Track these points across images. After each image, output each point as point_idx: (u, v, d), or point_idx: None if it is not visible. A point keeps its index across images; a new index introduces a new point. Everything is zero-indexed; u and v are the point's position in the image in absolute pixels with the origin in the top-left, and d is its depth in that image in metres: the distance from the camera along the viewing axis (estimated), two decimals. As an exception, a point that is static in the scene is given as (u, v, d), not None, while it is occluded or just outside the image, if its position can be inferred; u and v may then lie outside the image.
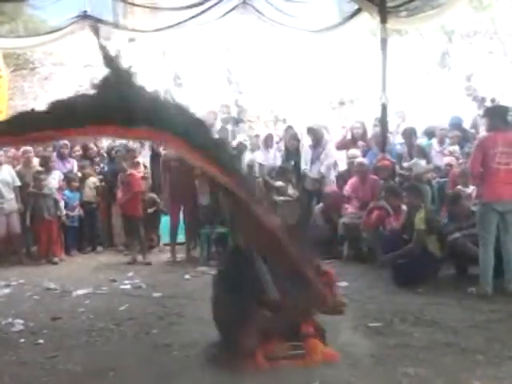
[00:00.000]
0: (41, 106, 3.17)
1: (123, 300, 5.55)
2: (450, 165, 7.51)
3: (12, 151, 8.56)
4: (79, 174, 8.76)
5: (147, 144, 9.32)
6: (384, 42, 7.95)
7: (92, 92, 3.06)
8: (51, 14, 10.67)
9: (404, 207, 6.47)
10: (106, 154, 9.22)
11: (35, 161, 8.46)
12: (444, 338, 4.16)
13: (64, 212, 8.29)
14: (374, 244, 6.89)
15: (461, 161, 7.49)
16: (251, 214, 3.31)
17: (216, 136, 4.14)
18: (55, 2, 9.10)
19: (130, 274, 6.95)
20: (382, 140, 7.94)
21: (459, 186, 6.80)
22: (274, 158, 8.69)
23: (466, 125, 8.67)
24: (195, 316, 4.79)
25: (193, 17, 8.72)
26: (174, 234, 7.95)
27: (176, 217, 7.96)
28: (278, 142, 9.02)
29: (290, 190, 8.20)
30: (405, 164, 7.40)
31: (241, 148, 8.05)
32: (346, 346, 3.84)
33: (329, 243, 7.48)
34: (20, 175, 8.10)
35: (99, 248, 8.73)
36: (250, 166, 8.02)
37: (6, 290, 6.33)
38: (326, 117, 10.95)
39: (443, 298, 5.29)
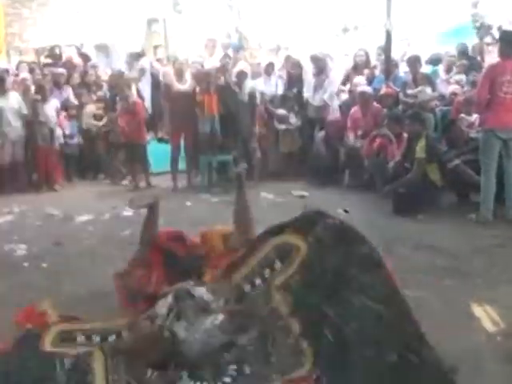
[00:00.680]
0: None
1: (125, 226, 5.53)
2: (454, 93, 7.35)
3: (11, 78, 8.38)
4: (76, 102, 8.66)
5: (148, 72, 9.18)
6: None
7: None
8: None
9: (405, 135, 6.39)
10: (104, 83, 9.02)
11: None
12: (443, 263, 4.21)
13: (62, 140, 8.24)
14: (376, 172, 6.85)
15: (465, 89, 7.34)
16: None
17: None
18: None
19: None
20: (386, 68, 7.76)
21: (462, 115, 6.69)
22: (275, 85, 8.50)
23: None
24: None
25: None
26: (175, 161, 7.91)
27: (177, 145, 7.92)
28: (279, 70, 8.79)
29: (292, 119, 8.11)
30: (409, 91, 7.25)
31: (241, 76, 7.85)
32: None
33: (330, 171, 7.48)
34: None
35: (100, 175, 8.75)
36: (252, 95, 7.87)
37: (9, 217, 6.37)
38: (329, 44, 10.60)
39: (443, 224, 5.33)
